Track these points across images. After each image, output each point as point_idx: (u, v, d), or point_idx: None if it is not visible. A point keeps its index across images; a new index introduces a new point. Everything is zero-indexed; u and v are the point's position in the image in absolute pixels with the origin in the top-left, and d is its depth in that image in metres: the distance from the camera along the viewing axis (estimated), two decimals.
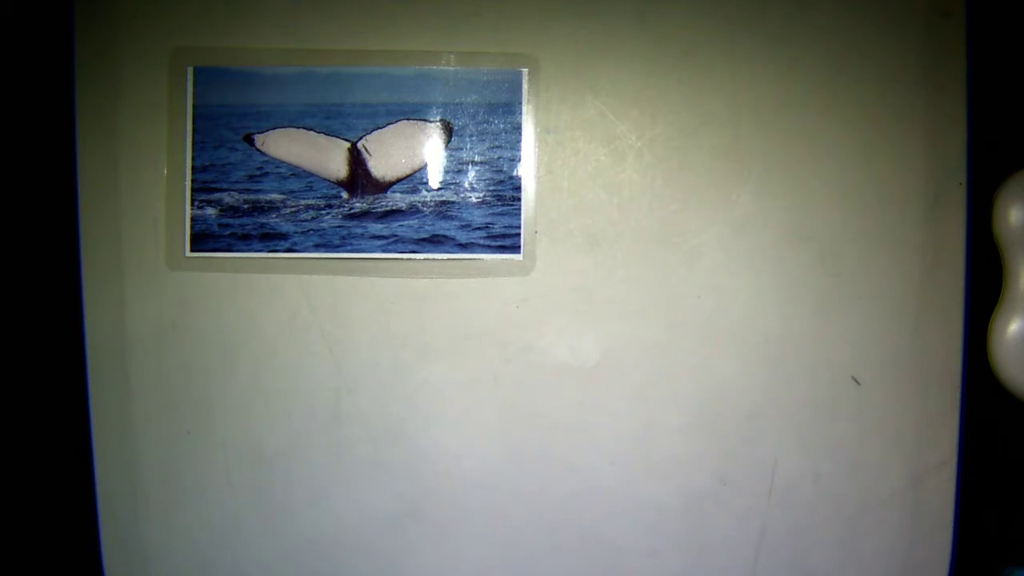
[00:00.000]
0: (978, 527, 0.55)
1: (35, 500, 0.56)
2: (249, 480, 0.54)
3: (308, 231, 0.53)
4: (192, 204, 0.54)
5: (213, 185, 0.54)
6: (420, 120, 0.54)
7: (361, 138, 0.54)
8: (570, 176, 0.54)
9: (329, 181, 0.54)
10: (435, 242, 0.54)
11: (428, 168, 0.54)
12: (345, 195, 0.54)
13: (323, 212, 0.54)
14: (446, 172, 0.54)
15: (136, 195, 0.54)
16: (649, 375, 0.54)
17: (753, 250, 0.54)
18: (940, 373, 0.54)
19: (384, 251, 0.54)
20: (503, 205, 0.54)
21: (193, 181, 0.54)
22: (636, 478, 0.54)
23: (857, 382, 0.54)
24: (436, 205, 0.54)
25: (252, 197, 0.54)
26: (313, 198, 0.54)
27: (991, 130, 0.54)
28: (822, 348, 0.54)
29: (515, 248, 0.54)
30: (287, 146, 0.54)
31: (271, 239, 0.54)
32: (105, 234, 0.54)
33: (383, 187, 0.54)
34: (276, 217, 0.54)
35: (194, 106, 0.54)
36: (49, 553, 0.56)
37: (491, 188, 0.54)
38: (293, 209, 0.54)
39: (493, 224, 0.54)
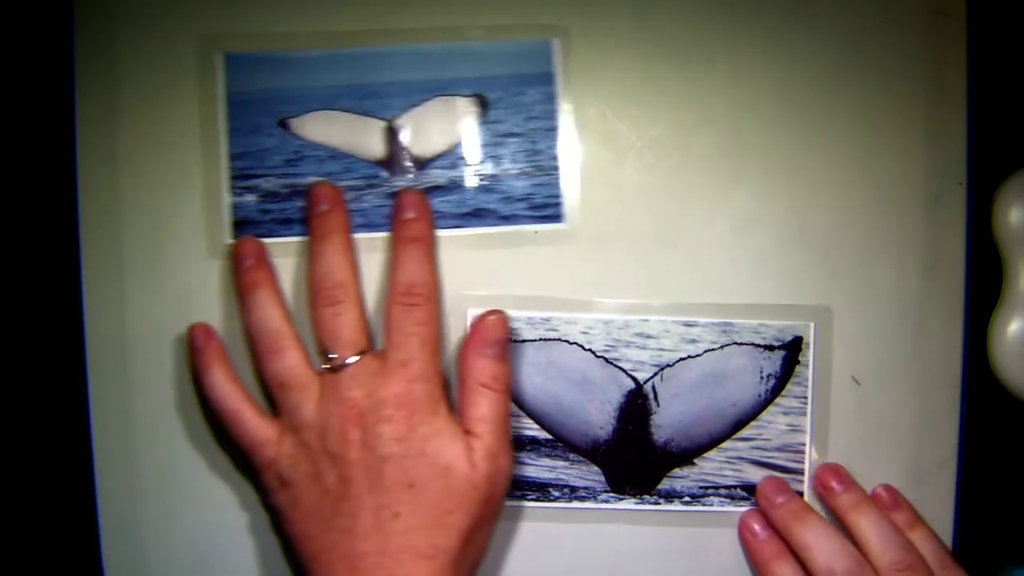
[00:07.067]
0: (978, 527, 0.55)
1: (35, 500, 0.56)
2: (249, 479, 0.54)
3: (351, 212, 0.53)
4: (231, 192, 0.54)
5: (250, 172, 0.54)
6: (454, 96, 0.54)
7: (397, 117, 0.54)
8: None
9: (367, 161, 0.54)
10: (478, 216, 0.54)
11: (465, 143, 0.54)
12: (385, 174, 0.54)
13: (364, 193, 0.54)
14: (484, 146, 0.54)
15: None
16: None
17: (753, 250, 0.54)
18: (940, 373, 0.54)
19: None
20: (543, 175, 0.54)
21: (230, 168, 0.53)
22: None
23: (857, 382, 0.54)
24: (476, 179, 0.54)
25: (291, 181, 0.54)
26: (353, 179, 0.54)
27: (991, 130, 0.55)
28: (822, 348, 0.54)
29: (558, 218, 0.54)
30: (323, 129, 0.54)
31: None
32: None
33: (422, 164, 0.54)
34: None
35: (226, 93, 0.54)
36: (49, 553, 0.56)
37: (530, 159, 0.54)
38: None
39: (534, 195, 0.54)
